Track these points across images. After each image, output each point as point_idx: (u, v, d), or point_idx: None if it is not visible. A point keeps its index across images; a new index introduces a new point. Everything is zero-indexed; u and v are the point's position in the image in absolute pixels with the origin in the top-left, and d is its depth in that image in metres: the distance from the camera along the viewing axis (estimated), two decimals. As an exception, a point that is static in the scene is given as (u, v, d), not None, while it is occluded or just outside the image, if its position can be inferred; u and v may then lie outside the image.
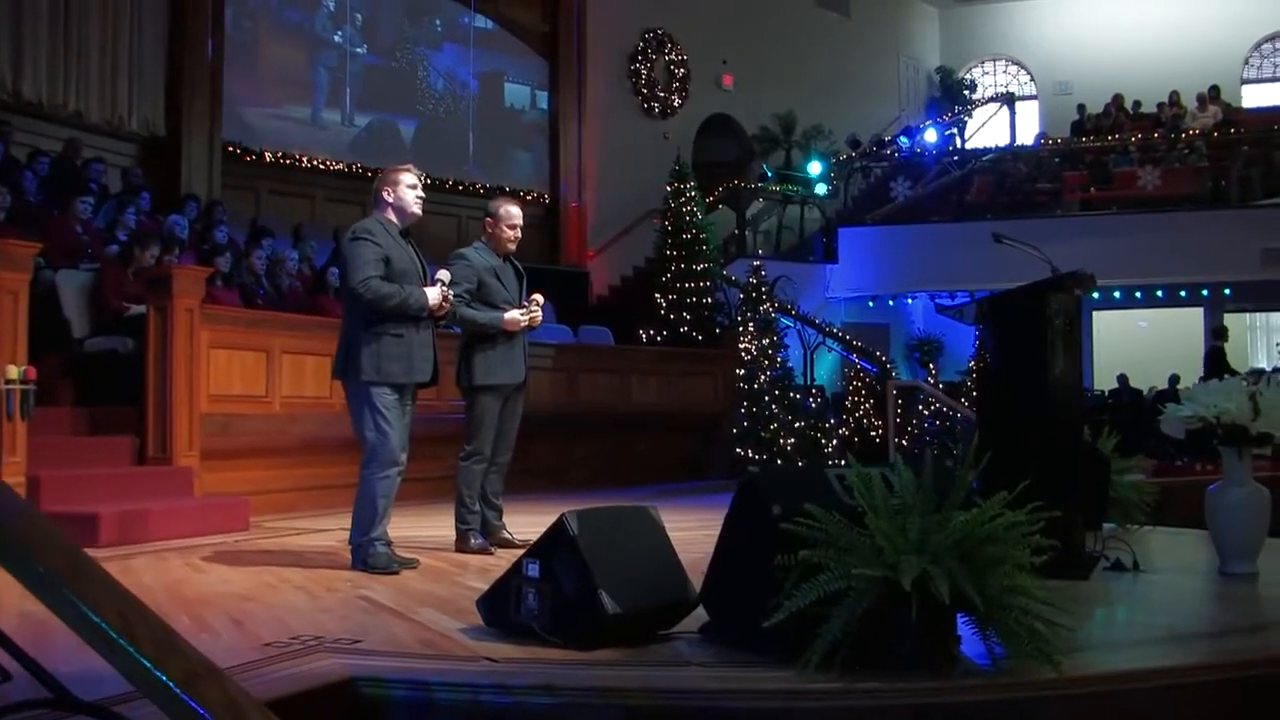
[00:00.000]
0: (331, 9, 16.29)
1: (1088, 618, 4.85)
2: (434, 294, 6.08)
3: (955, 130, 21.86)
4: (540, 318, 7.05)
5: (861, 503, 3.80)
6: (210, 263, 9.68)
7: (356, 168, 16.15)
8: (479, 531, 6.90)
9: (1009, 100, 22.84)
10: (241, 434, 8.85)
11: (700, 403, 14.18)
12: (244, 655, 4.01)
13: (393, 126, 16.88)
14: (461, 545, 6.83)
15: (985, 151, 20.62)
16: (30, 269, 7.30)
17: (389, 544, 6.08)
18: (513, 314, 6.86)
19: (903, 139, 20.30)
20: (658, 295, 15.70)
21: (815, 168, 20.18)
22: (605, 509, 4.40)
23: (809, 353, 16.58)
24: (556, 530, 4.21)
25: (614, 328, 15.20)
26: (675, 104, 20.34)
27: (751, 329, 14.31)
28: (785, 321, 16.23)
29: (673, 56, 20.35)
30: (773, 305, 14.94)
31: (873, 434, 14.50)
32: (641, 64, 19.95)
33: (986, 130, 22.48)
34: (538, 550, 4.28)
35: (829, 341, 16.58)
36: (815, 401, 14.21)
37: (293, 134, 15.63)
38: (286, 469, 9.34)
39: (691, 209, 16.01)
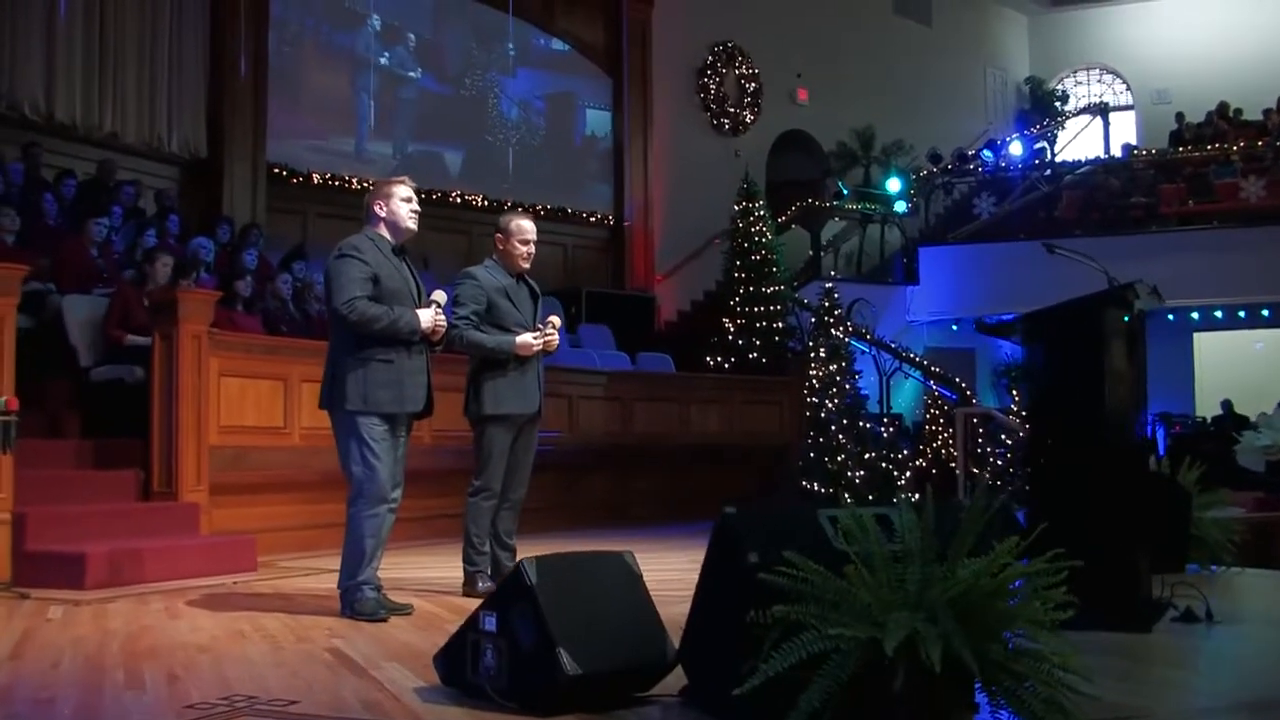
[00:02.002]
0: (377, 29, 16.09)
1: (1143, 680, 4.32)
2: (427, 315, 5.71)
3: (1045, 143, 21.16)
4: (556, 342, 6.65)
5: (850, 549, 3.34)
6: (231, 287, 9.42)
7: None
8: (488, 574, 6.51)
9: (1102, 111, 22.11)
10: (255, 467, 8.55)
11: (765, 433, 13.72)
12: (158, 718, 3.67)
13: (438, 154, 16.60)
14: (469, 588, 6.46)
15: (1074, 165, 19.90)
16: (17, 293, 7.05)
17: (378, 588, 5.71)
18: (524, 337, 6.46)
19: (986, 153, 19.64)
20: (726, 320, 15.31)
21: (894, 185, 19.61)
22: (572, 555, 3.99)
23: (885, 379, 16.03)
24: (514, 578, 3.80)
25: (681, 355, 14.84)
26: (747, 120, 19.89)
27: (822, 354, 13.83)
28: (860, 346, 15.72)
29: (743, 70, 19.92)
30: (846, 329, 14.43)
31: (952, 465, 13.89)
32: (710, 79, 19.55)
33: (1078, 143, 21.75)
34: (495, 601, 3.87)
35: (905, 367, 16.00)
36: (887, 431, 13.64)
37: (339, 160, 15.44)
38: (306, 504, 9.01)
39: (761, 229, 15.60)
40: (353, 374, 5.59)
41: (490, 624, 3.83)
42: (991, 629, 3.12)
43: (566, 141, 17.99)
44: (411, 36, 16.47)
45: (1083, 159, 20.33)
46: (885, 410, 16.15)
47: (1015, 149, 19.81)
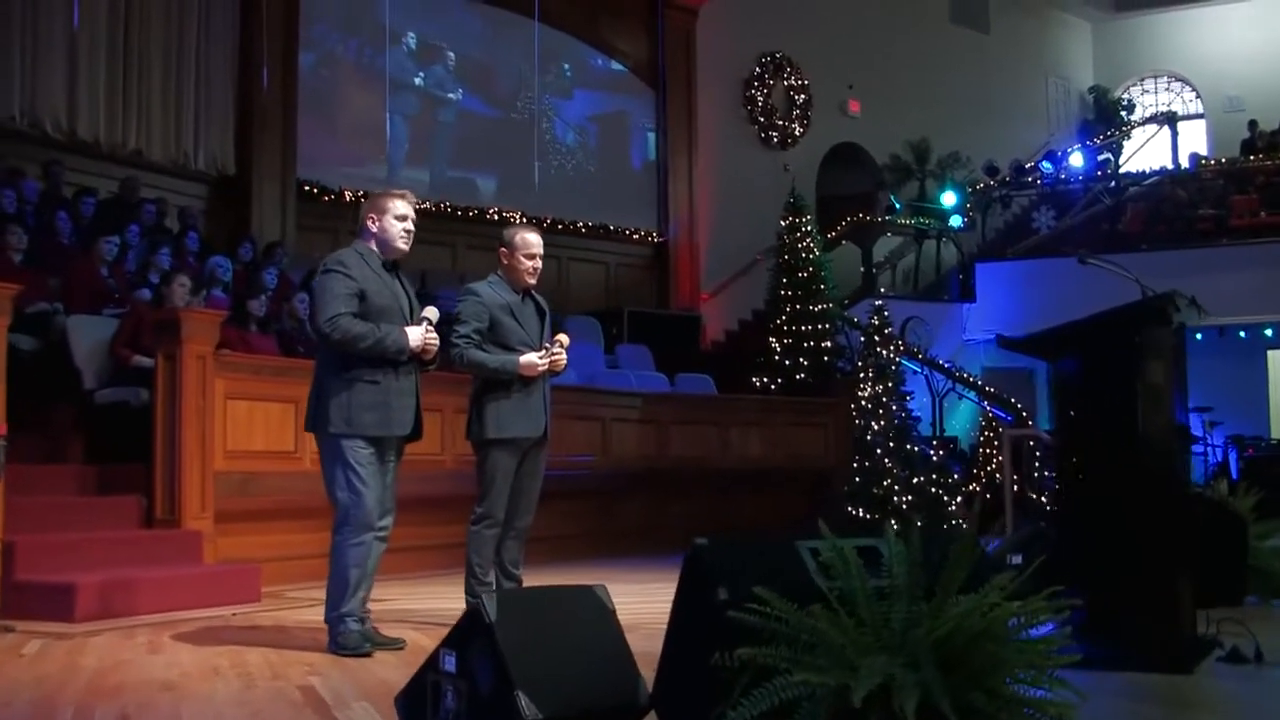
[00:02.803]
0: (413, 48, 16.01)
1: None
2: (415, 334, 5.51)
3: (1109, 155, 20.73)
4: (564, 362, 6.40)
5: (830, 585, 3.09)
6: (244, 306, 9.29)
7: (445, 207, 15.80)
8: (489, 606, 6.28)
9: (1170, 120, 21.62)
10: (264, 493, 8.38)
11: (809, 456, 13.43)
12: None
13: (475, 176, 16.48)
14: (470, 622, 6.22)
15: (1139, 176, 19.46)
16: (8, 313, 6.94)
17: (362, 620, 5.51)
18: (529, 357, 6.22)
19: (1045, 165, 19.24)
20: (772, 340, 15.04)
21: (949, 198, 19.26)
22: (538, 589, 3.76)
23: (938, 400, 15.69)
24: (472, 615, 3.58)
25: (727, 376, 14.59)
26: (796, 133, 19.63)
27: (871, 374, 13.51)
28: (911, 366, 15.39)
29: (792, 82, 19.67)
30: (897, 348, 14.11)
31: (1014, 489, 13.51)
32: (758, 90, 19.31)
33: (1144, 154, 21.29)
34: (454, 638, 3.65)
35: (959, 388, 15.65)
36: (937, 454, 13.29)
37: (372, 177, 15.34)
38: (318, 532, 8.66)
39: (809, 245, 15.33)
40: (337, 395, 5.40)
41: (450, 664, 3.61)
42: (978, 675, 2.85)
43: (609, 157, 17.81)
44: (451, 55, 16.36)
45: (1147, 170, 19.88)
46: (938, 432, 15.81)
47: (1076, 160, 19.39)
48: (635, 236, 17.80)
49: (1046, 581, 6.12)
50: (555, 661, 3.53)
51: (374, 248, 5.60)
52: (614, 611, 3.81)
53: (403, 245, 5.61)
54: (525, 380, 6.24)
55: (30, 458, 8.26)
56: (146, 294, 9.25)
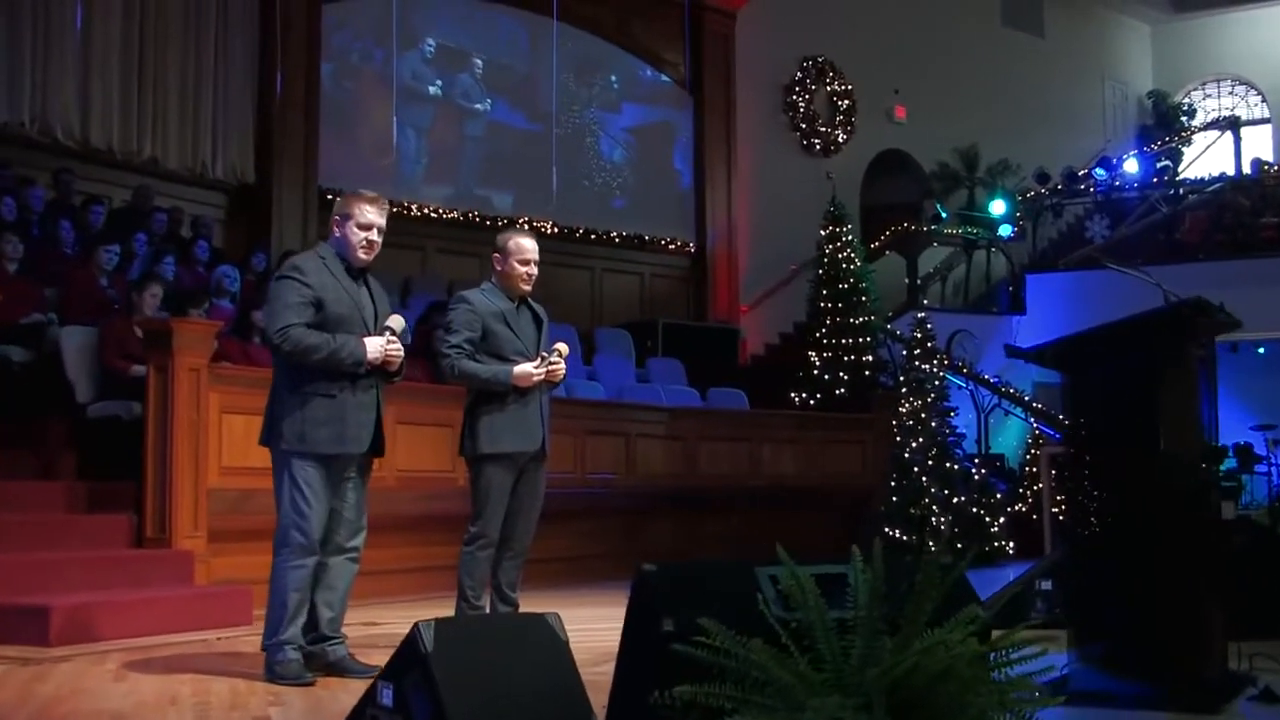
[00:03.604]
0: (428, 55, 15.87)
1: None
2: (375, 345, 5.28)
3: (1168, 161, 20.29)
4: (563, 372, 6.19)
5: (787, 616, 2.85)
6: (249, 317, 9.15)
7: (474, 216, 15.64)
8: (481, 632, 6.07)
9: (1233, 124, 21.16)
10: (262, 512, 8.07)
11: (846, 474, 13.14)
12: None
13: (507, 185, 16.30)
14: (460, 648, 6.00)
15: (1199, 183, 19.01)
16: (-16, 322, 6.78)
17: (301, 647, 5.29)
18: (524, 367, 6.01)
19: (1099, 171, 18.82)
20: (812, 354, 14.78)
21: (998, 207, 18.88)
22: (482, 617, 3.54)
23: (983, 416, 15.35)
24: (408, 645, 3.36)
25: (765, 391, 14.34)
26: (839, 140, 19.33)
27: (912, 390, 13.21)
28: (956, 381, 15.07)
29: (835, 87, 19.37)
30: (941, 362, 13.80)
31: (1054, 510, 13.15)
32: (799, 96, 19.02)
33: (1205, 160, 20.83)
34: (391, 670, 3.43)
35: (1005, 404, 15.30)
36: (979, 473, 12.95)
37: (397, 184, 15.20)
38: (325, 553, 8.65)
39: (849, 256, 15.06)
40: (290, 410, 5.21)
41: (387, 697, 3.40)
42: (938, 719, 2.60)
43: (643, 165, 17.59)
44: (479, 63, 16.18)
45: (1207, 176, 19.44)
46: (983, 450, 15.46)
47: (1131, 167, 18.96)
48: (671, 247, 17.56)
49: (1066, 610, 5.86)
50: (497, 695, 3.31)
51: (338, 252, 5.40)
52: (567, 642, 3.57)
53: (363, 255, 5.38)
54: (520, 392, 6.03)
55: (20, 474, 8.19)
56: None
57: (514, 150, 16.18)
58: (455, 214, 15.43)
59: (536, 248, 6.23)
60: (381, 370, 5.37)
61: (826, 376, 14.55)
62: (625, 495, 11.14)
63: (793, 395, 14.49)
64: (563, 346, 6.18)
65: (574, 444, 10.77)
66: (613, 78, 17.33)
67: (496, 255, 6.22)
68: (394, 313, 5.55)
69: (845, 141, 19.45)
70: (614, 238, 17.02)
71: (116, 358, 8.15)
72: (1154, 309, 4.94)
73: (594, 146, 17.07)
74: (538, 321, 6.32)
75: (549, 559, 10.16)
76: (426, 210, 15.28)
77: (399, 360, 5.41)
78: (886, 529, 12.28)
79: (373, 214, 5.37)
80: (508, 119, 16.35)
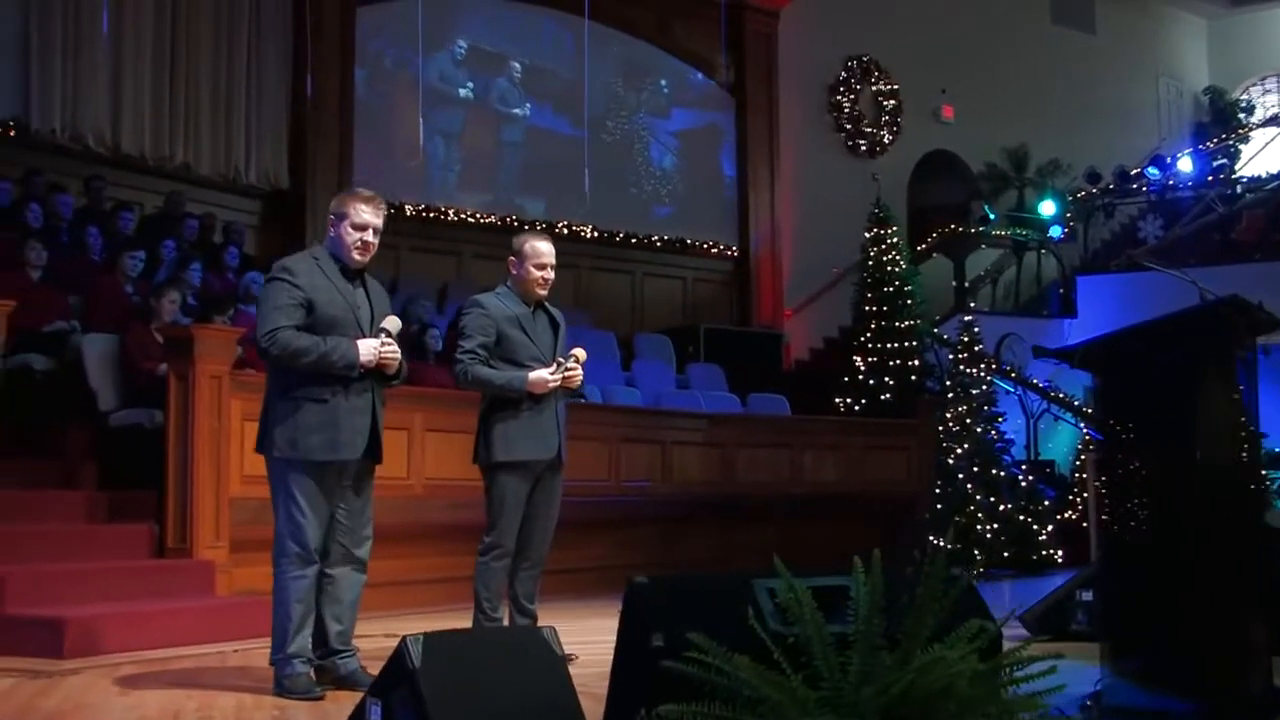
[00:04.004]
0: (459, 57, 15.81)
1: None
2: (368, 347, 5.16)
3: (1224, 159, 19.95)
4: (579, 378, 6.09)
5: (773, 630, 2.72)
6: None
7: (511, 220, 15.57)
8: (500, 644, 5.97)
9: (1293, 121, 20.83)
10: (285, 521, 8.14)
11: (890, 481, 12.93)
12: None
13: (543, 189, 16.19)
14: (477, 661, 5.91)
15: (1256, 181, 18.68)
16: (1, 330, 6.74)
17: (310, 660, 5.20)
18: (539, 373, 5.93)
19: (1152, 170, 18.51)
20: (856, 359, 14.61)
21: (1048, 208, 18.62)
22: (474, 631, 3.43)
23: (1032, 422, 15.12)
24: (396, 660, 3.25)
25: (810, 396, 14.20)
26: (885, 140, 19.14)
27: (959, 394, 13.03)
28: (1004, 386, 14.86)
29: (881, 86, 19.19)
30: (988, 367, 13.61)
31: (1105, 518, 12.93)
32: (844, 96, 18.85)
33: (1264, 157, 20.46)
34: (379, 686, 3.33)
35: (1055, 409, 15.07)
36: (1026, 479, 12.74)
37: (434, 190, 15.18)
38: (351, 563, 8.58)
39: (894, 258, 14.87)
40: (282, 416, 5.11)
41: (375, 715, 3.30)
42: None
43: (684, 168, 17.47)
44: (517, 66, 16.12)
45: (1265, 174, 19.10)
46: (1032, 456, 15.25)
47: (1185, 166, 18.64)
48: (714, 251, 17.44)
49: (1101, 621, 5.68)
50: (488, 712, 3.20)
51: (332, 253, 5.30)
52: (563, 658, 3.46)
53: (358, 256, 5.24)
54: (536, 398, 5.94)
55: (42, 483, 8.16)
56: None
57: (551, 154, 16.09)
58: (492, 218, 15.37)
59: (553, 251, 6.15)
60: (379, 373, 5.25)
61: (871, 382, 14.36)
62: (661, 503, 11.01)
63: (837, 401, 14.32)
64: (579, 352, 6.09)
65: (608, 451, 10.67)
66: (662, 82, 17.26)
67: (512, 259, 6.14)
68: (393, 314, 5.39)
69: (891, 142, 19.27)
70: (655, 242, 16.92)
71: (140, 360, 8.10)
72: (1190, 307, 4.78)
73: (637, 150, 16.98)
74: (554, 326, 6.23)
75: (582, 568, 10.07)
76: (463, 215, 15.22)
77: (395, 363, 5.28)
78: (930, 537, 12.12)
79: (368, 214, 5.25)
80: (546, 123, 16.27)
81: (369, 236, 5.23)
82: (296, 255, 5.35)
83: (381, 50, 14.80)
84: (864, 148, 18.97)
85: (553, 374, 5.95)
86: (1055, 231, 18.44)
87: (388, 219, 14.50)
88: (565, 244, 15.85)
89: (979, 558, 11.82)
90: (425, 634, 3.25)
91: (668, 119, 17.36)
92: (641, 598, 2.97)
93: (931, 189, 19.83)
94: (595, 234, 16.26)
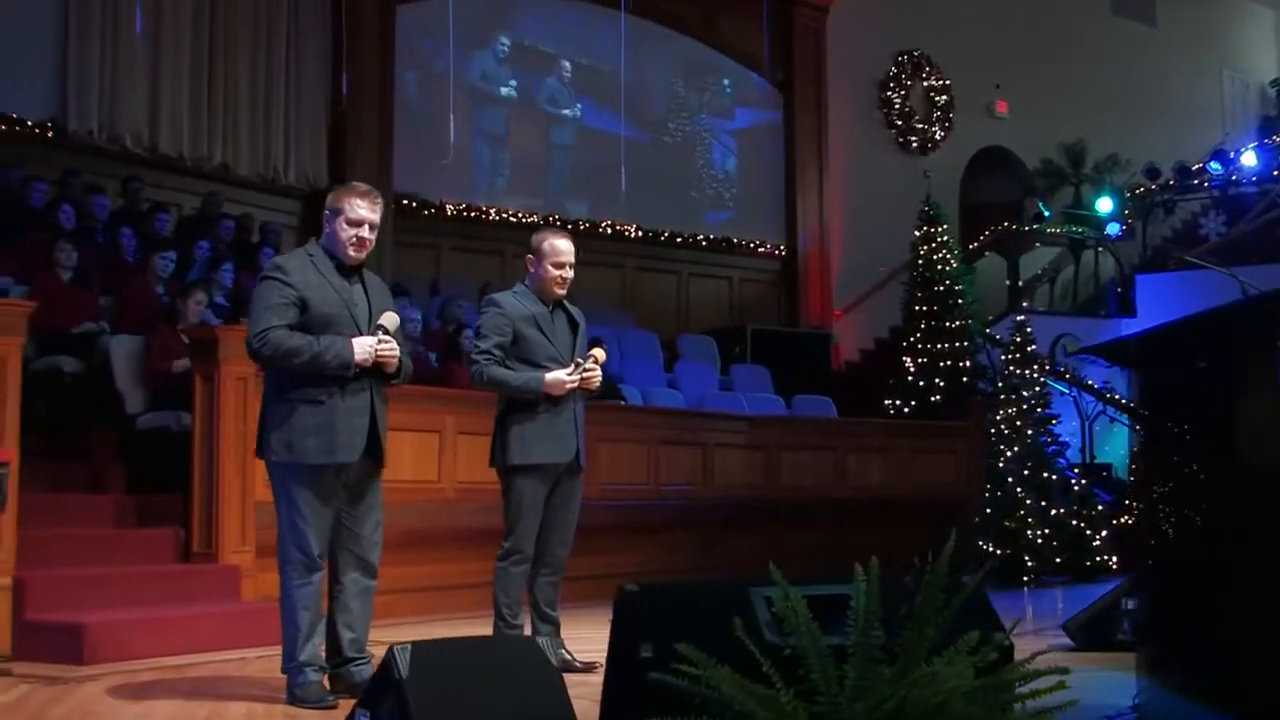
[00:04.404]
0: (502, 54, 15.76)
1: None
2: (363, 345, 5.07)
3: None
4: (598, 379, 6.00)
5: (758, 641, 2.63)
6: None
7: (554, 219, 15.53)
8: (522, 652, 5.90)
9: (1363, 113, 20.42)
10: (313, 525, 8.12)
11: (938, 485, 12.78)
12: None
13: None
14: (498, 669, 5.84)
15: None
16: (21, 331, 6.74)
17: (322, 668, 5.15)
18: (556, 374, 5.85)
19: (1214, 165, 18.19)
20: (906, 360, 14.46)
21: (1105, 204, 18.34)
22: (464, 640, 3.36)
23: (1087, 424, 14.90)
24: (383, 670, 3.19)
25: (859, 398, 14.08)
26: (936, 136, 18.94)
27: (1011, 396, 12.84)
28: (1059, 388, 14.65)
29: (932, 82, 18.99)
30: (1042, 368, 13.40)
31: (1142, 520, 12.71)
32: (894, 92, 18.67)
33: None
34: (368, 697, 3.26)
35: (1110, 411, 14.83)
36: (1079, 483, 12.54)
37: (476, 189, 15.17)
38: (381, 566, 8.53)
39: (944, 257, 14.71)
40: (277, 418, 5.06)
41: (364, 726, 3.23)
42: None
43: (731, 165, 17.37)
44: (567, 65, 16.06)
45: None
46: (1088, 459, 15.03)
47: (1249, 160, 18.31)
48: (761, 250, 17.33)
49: (1138, 631, 5.54)
50: (477, 727, 3.12)
51: (328, 249, 5.23)
52: (555, 666, 3.38)
53: (353, 252, 5.15)
54: (553, 400, 5.86)
55: (70, 486, 8.17)
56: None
57: (599, 154, 16.02)
58: (535, 217, 15.31)
59: (572, 250, 6.06)
60: (379, 372, 5.18)
61: (921, 383, 14.22)
62: (702, 507, 10.93)
63: (886, 403, 14.18)
64: (599, 352, 6.01)
65: (648, 454, 10.61)
66: (725, 81, 17.25)
67: (530, 257, 6.06)
68: (390, 310, 5.29)
69: (943, 139, 19.07)
70: (701, 241, 16.82)
71: (164, 359, 8.10)
72: (1230, 302, 4.63)
73: (687, 150, 16.92)
74: (574, 326, 6.14)
75: (620, 573, 9.90)
76: (505, 214, 15.19)
77: (394, 361, 5.19)
78: (980, 543, 11.95)
79: (364, 209, 5.16)
80: (592, 121, 16.22)
81: (364, 232, 5.15)
82: (290, 253, 5.32)
83: (421, 47, 14.79)
84: (915, 144, 18.79)
85: (570, 375, 5.87)
86: (1112, 229, 18.17)
87: (428, 219, 14.61)
88: (609, 244, 15.96)
89: (1029, 564, 11.63)
90: (414, 643, 3.19)
91: (719, 118, 17.28)
92: (631, 606, 2.88)
93: (985, 186, 19.61)
94: (640, 233, 16.20)
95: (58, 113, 11.71)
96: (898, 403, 14.12)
